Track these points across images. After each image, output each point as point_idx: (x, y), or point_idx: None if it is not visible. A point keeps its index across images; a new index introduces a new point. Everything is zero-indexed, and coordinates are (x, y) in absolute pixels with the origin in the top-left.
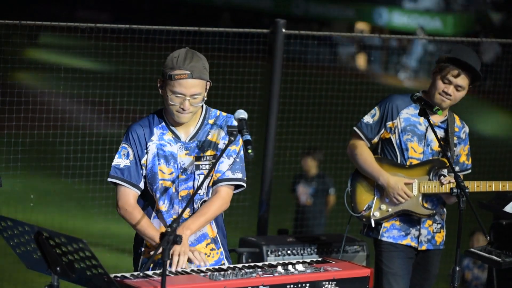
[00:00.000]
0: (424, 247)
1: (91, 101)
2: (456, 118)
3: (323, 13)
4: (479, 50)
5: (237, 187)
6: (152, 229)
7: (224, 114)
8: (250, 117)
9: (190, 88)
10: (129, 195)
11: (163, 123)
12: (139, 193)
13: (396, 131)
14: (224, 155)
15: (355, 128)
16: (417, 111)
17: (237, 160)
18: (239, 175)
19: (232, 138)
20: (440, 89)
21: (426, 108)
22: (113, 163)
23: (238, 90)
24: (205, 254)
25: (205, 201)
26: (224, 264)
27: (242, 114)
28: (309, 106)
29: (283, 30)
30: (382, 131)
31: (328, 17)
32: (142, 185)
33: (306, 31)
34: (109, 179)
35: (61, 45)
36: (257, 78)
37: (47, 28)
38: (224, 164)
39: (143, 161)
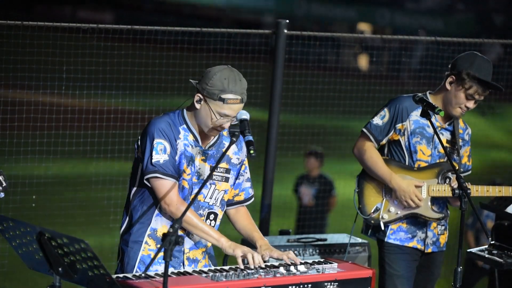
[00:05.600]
0: (429, 250)
1: (93, 102)
2: (460, 120)
3: (325, 14)
4: (481, 50)
5: None
6: (212, 228)
7: None
8: (252, 117)
9: (237, 111)
10: (174, 189)
11: (185, 125)
12: (178, 183)
13: (406, 133)
14: (242, 172)
15: (364, 129)
16: None
17: (249, 175)
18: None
19: (234, 139)
20: (462, 103)
21: (428, 109)
22: (152, 160)
23: None
24: (199, 259)
25: (213, 212)
26: None
27: (244, 114)
28: (311, 107)
29: (285, 31)
30: (391, 132)
31: (330, 18)
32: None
33: (308, 32)
34: (153, 174)
35: (63, 45)
36: (259, 78)
37: (49, 29)
38: (244, 182)
39: (177, 156)
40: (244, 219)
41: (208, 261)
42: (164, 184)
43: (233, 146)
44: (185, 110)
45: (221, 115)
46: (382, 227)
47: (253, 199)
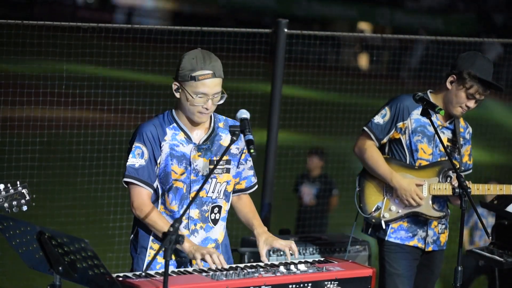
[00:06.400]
0: (430, 248)
1: (93, 101)
2: (461, 119)
3: (325, 13)
4: (481, 50)
5: None
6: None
7: (230, 119)
8: (252, 117)
9: (213, 87)
10: (144, 195)
11: (174, 124)
12: (152, 192)
13: (407, 132)
14: (243, 161)
15: (365, 128)
16: None
17: (252, 163)
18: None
19: (235, 138)
20: (463, 103)
21: (429, 108)
22: (127, 163)
23: (240, 90)
24: None
25: (216, 205)
26: None
27: (244, 114)
28: (311, 106)
29: (285, 30)
30: (392, 131)
31: (330, 17)
32: (155, 184)
33: (308, 31)
34: (125, 179)
35: (63, 44)
36: (259, 78)
37: (49, 28)
38: (246, 170)
39: (158, 160)
40: (244, 206)
41: (227, 260)
42: (135, 189)
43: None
44: (173, 109)
45: (197, 94)
46: (383, 226)
47: (256, 187)
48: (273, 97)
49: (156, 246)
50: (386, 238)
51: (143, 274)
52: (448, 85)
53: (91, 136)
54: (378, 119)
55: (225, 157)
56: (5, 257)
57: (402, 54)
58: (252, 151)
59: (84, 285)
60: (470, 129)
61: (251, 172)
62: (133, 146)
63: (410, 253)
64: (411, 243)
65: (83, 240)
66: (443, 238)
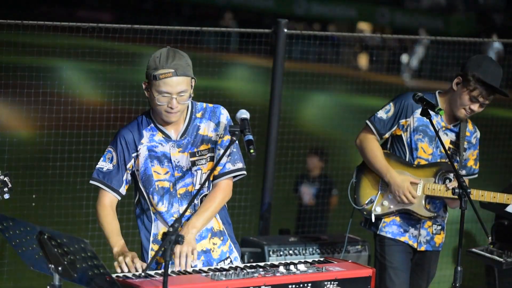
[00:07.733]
0: (423, 248)
1: (93, 101)
2: (469, 122)
3: (325, 13)
4: (481, 50)
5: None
6: (115, 236)
7: (210, 105)
8: (252, 116)
9: (176, 86)
10: (106, 198)
11: (152, 124)
12: (119, 198)
13: (408, 129)
14: (219, 146)
15: (367, 122)
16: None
17: (234, 150)
18: (240, 165)
19: (234, 138)
20: (467, 105)
21: (428, 108)
22: (97, 165)
23: (240, 89)
24: (210, 249)
25: (205, 195)
26: (228, 257)
27: (244, 113)
28: (311, 106)
29: (285, 30)
30: (395, 127)
31: (330, 17)
32: (122, 190)
33: (308, 31)
34: (91, 181)
35: (63, 45)
36: (259, 78)
37: (48, 28)
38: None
39: (129, 166)
40: (209, 195)
41: (224, 249)
42: (100, 192)
43: (211, 124)
44: (151, 109)
45: (160, 93)
46: (373, 220)
47: (235, 173)
48: (273, 97)
49: (155, 247)
50: (378, 232)
51: (143, 274)
52: (454, 87)
53: (91, 136)
54: (381, 113)
55: (207, 146)
56: (5, 257)
57: (402, 54)
58: (252, 151)
59: (84, 285)
60: (478, 134)
61: (225, 159)
62: (106, 149)
63: (403, 246)
64: (402, 239)
65: (83, 241)
66: (438, 239)
